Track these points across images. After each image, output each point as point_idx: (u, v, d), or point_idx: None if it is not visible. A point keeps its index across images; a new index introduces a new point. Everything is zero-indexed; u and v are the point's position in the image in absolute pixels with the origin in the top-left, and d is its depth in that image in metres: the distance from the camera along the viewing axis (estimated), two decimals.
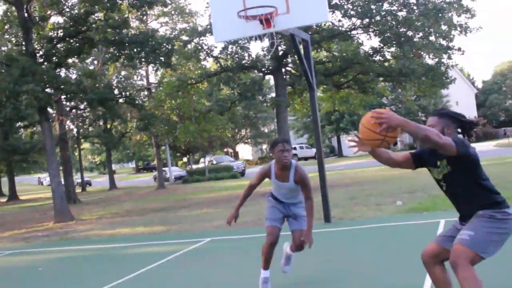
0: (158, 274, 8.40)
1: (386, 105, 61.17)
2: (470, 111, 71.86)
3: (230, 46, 21.78)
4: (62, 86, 19.74)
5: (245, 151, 79.30)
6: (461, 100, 68.47)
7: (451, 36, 20.33)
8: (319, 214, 12.01)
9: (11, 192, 47.30)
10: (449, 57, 20.88)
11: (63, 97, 25.99)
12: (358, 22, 20.78)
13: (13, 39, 29.10)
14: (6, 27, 23.68)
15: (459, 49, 20.54)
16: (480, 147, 44.52)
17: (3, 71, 18.98)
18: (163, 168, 42.95)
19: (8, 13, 22.66)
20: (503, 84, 77.67)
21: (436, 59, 21.11)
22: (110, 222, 17.65)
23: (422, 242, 7.99)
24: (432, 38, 20.46)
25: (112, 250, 11.52)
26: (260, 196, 20.12)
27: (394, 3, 20.25)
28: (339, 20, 20.97)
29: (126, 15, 22.25)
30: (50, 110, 24.77)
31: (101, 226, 16.71)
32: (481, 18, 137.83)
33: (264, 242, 6.53)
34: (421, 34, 20.28)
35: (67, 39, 20.81)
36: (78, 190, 42.12)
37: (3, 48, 24.12)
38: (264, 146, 76.50)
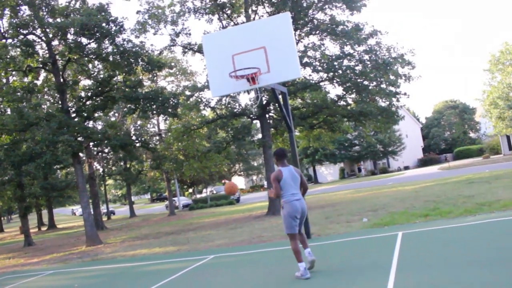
0: (173, 286, 8.32)
1: (350, 140, 61.53)
2: (417, 142, 72.52)
3: (224, 99, 21.94)
4: (90, 135, 19.75)
5: (239, 181, 79.07)
6: (410, 133, 69.05)
7: (398, 84, 20.57)
8: None
9: (50, 222, 46.71)
10: (398, 100, 21.07)
11: (91, 144, 25.97)
12: (325, 75, 20.97)
13: (51, 99, 29.23)
14: (45, 89, 23.73)
15: (405, 93, 20.78)
16: (427, 171, 44.79)
17: (44, 125, 18.96)
18: (173, 198, 42.69)
19: (47, 79, 22.79)
20: (441, 119, 78.53)
21: (388, 102, 21.33)
22: (131, 244, 17.46)
23: (384, 252, 8.03)
24: (383, 85, 20.67)
25: (134, 268, 11.40)
26: (253, 219, 20.09)
27: (351, 59, 20.50)
28: (310, 75, 21.17)
29: (140, 77, 22.41)
30: (81, 154, 24.66)
31: (124, 248, 16.51)
32: (422, 65, 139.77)
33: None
34: (374, 83, 20.48)
35: (94, 97, 20.90)
36: (104, 218, 41.67)
37: (43, 106, 24.11)
38: (255, 177, 76.36)
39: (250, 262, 9.60)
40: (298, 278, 7.07)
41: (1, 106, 23.06)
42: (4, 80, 22.26)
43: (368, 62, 20.13)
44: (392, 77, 20.38)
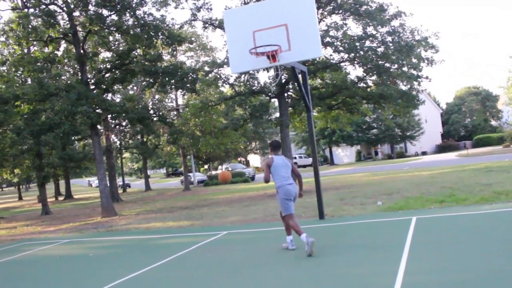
0: (184, 260, 8.44)
1: (368, 123, 61.11)
2: (437, 127, 71.74)
3: (243, 76, 21.84)
4: (109, 108, 19.89)
5: (254, 159, 79.23)
6: (429, 118, 68.29)
7: (420, 67, 20.27)
8: (315, 212, 12.03)
9: (67, 192, 47.45)
10: (419, 84, 20.80)
11: (109, 116, 26.21)
12: (346, 56, 20.74)
13: (71, 70, 29.42)
14: (66, 60, 23.89)
15: (427, 77, 20.47)
16: (445, 157, 44.38)
17: (63, 95, 19.14)
18: (189, 174, 42.94)
19: (68, 50, 22.92)
20: (462, 105, 77.39)
21: (409, 86, 21.05)
22: (146, 217, 17.68)
23: (397, 235, 8.03)
24: (405, 68, 20.39)
25: (148, 241, 11.57)
26: (267, 197, 20.18)
27: (374, 41, 20.22)
28: (330, 55, 20.96)
29: (160, 51, 22.40)
30: (99, 126, 24.88)
31: (139, 220, 16.74)
32: (446, 49, 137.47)
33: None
34: (396, 65, 20.21)
35: (113, 70, 21.00)
36: (120, 191, 42.16)
37: (63, 77, 24.30)
38: (270, 156, 76.45)
39: (263, 240, 9.68)
40: (284, 248, 8.18)
41: (22, 75, 23.29)
42: (26, 50, 22.41)
43: (391, 44, 19.85)
44: (414, 60, 20.09)
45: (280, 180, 7.91)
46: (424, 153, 64.32)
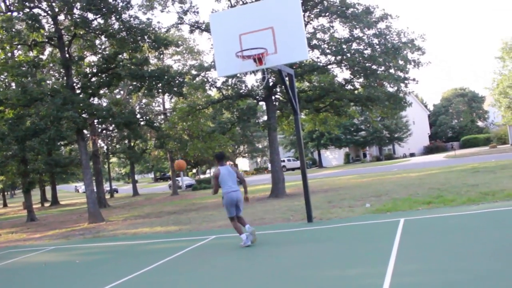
0: (172, 265, 8.40)
1: (356, 125, 61.40)
2: (424, 129, 72.24)
3: (230, 79, 21.84)
4: (95, 112, 19.75)
5: (243, 163, 79.24)
6: (417, 120, 68.78)
7: (407, 69, 20.39)
8: (303, 215, 12.05)
9: (53, 198, 47.04)
10: (406, 86, 20.92)
11: (95, 121, 26.03)
12: (333, 58, 20.81)
13: (56, 74, 29.20)
14: (50, 65, 23.67)
15: (414, 79, 20.60)
16: (433, 159, 44.70)
17: (48, 100, 18.97)
18: (177, 178, 42.82)
19: (52, 54, 22.72)
20: (449, 107, 78.07)
21: (396, 88, 21.18)
22: (133, 222, 17.59)
23: (385, 237, 8.07)
24: (392, 71, 20.50)
25: (135, 246, 11.50)
26: (256, 201, 20.17)
27: (361, 43, 20.32)
28: (318, 57, 21.01)
29: (146, 55, 22.33)
30: (85, 131, 24.72)
31: (126, 226, 16.64)
32: (432, 51, 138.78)
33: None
34: (383, 67, 20.32)
35: (100, 74, 20.86)
36: (107, 196, 41.93)
37: (48, 82, 24.10)
38: (259, 159, 76.48)
39: (251, 244, 9.66)
40: (242, 247, 9.10)
41: (6, 80, 23.05)
42: (9, 54, 22.20)
43: (377, 46, 19.97)
44: (401, 62, 20.22)
45: (226, 188, 9.17)
46: (412, 155, 64.72)
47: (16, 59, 21.38)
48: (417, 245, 7.26)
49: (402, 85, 20.75)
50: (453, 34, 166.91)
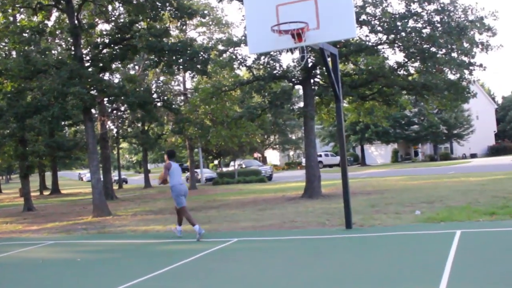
0: (188, 270, 8.47)
1: (408, 117, 60.70)
2: (490, 125, 70.95)
3: (262, 57, 21.78)
4: (105, 89, 19.97)
5: (273, 156, 79.32)
6: (481, 114, 67.54)
7: (473, 53, 20.01)
8: (341, 220, 11.99)
9: (54, 186, 47.90)
10: (471, 73, 20.52)
11: (106, 99, 26.33)
12: (384, 37, 20.56)
13: (63, 44, 29.59)
14: (57, 32, 23.97)
15: (481, 65, 20.21)
16: (499, 161, 43.91)
17: (53, 73, 19.26)
18: (195, 170, 43.11)
19: (60, 20, 23.01)
20: None
21: (458, 75, 20.80)
22: (144, 218, 17.77)
23: (437, 251, 7.97)
24: (454, 54, 20.16)
25: (145, 246, 11.64)
26: (286, 200, 20.19)
27: (419, 20, 20.02)
28: (366, 35, 20.78)
29: (167, 25, 22.44)
30: (93, 111, 25.04)
31: (136, 222, 16.83)
32: (504, 35, 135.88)
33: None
34: (444, 50, 19.99)
35: (112, 45, 21.07)
36: (115, 187, 42.48)
37: (53, 52, 24.47)
38: (291, 153, 76.41)
39: (278, 250, 9.68)
40: (173, 232, 12.36)
41: (6, 48, 23.44)
42: (11, 18, 22.58)
43: (439, 25, 19.62)
44: (466, 45, 19.84)
45: (176, 180, 11.84)
46: (473, 156, 63.75)
47: (18, 24, 21.75)
48: (475, 262, 7.16)
49: (466, 72, 20.36)
50: None
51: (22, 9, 21.86)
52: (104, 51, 21.14)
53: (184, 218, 12.07)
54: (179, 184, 11.91)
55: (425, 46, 19.86)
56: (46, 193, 48.45)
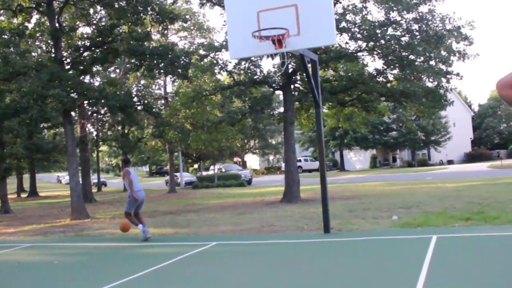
0: (166, 273, 8.44)
1: (386, 124, 61.17)
2: (466, 132, 71.79)
3: (243, 62, 21.80)
4: (85, 92, 19.83)
5: (252, 160, 79.34)
6: (458, 122, 68.32)
7: (450, 62, 20.27)
8: (319, 224, 12.04)
9: (31, 189, 47.46)
10: (448, 81, 20.79)
11: (86, 102, 26.17)
12: (364, 44, 20.72)
13: (43, 46, 29.36)
14: (37, 35, 23.79)
15: (458, 74, 20.47)
16: (475, 168, 44.42)
17: (32, 75, 19.11)
18: (175, 173, 42.97)
19: (40, 23, 22.84)
20: (498, 108, 77.40)
21: (436, 83, 21.05)
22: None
23: (413, 256, 8.04)
24: (432, 62, 20.39)
25: (123, 249, 11.57)
26: (265, 204, 20.21)
27: (398, 28, 20.22)
28: (346, 43, 20.92)
29: (148, 29, 22.38)
30: (73, 113, 24.87)
31: (115, 225, 16.70)
32: (480, 44, 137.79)
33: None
34: (422, 58, 20.21)
35: (93, 48, 20.96)
36: (94, 190, 42.16)
37: (33, 54, 24.26)
38: (271, 157, 76.50)
39: (257, 254, 9.69)
40: (143, 239, 11.85)
41: None
42: None
43: (417, 33, 19.85)
44: (443, 53, 20.09)
45: (136, 187, 11.99)
46: (450, 162, 64.42)
47: None
48: (451, 267, 7.22)
49: (444, 80, 20.62)
50: (507, 22, 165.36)
51: (1, 11, 21.64)
52: (85, 54, 21.02)
53: (139, 218, 12.28)
54: (139, 190, 12.20)
55: (403, 53, 20.08)
56: (23, 195, 47.96)
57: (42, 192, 50.69)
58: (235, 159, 64.24)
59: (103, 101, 20.76)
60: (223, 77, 28.60)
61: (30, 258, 11.29)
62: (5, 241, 14.44)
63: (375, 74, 21.92)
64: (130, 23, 20.51)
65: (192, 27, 40.13)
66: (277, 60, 22.09)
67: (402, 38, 19.99)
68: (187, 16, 36.37)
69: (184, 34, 40.79)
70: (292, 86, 21.81)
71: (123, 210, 12.53)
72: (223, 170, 47.76)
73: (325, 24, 10.48)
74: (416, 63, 20.21)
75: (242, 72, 22.33)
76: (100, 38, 20.65)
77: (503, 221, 10.96)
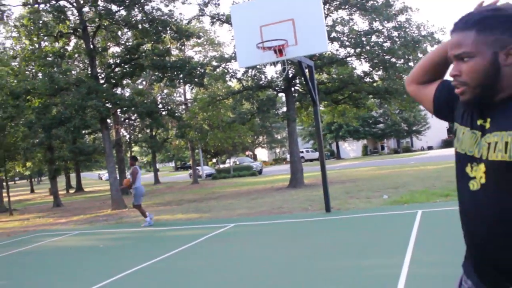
0: (193, 251, 8.48)
1: (374, 117, 60.93)
2: (443, 122, 71.14)
3: (250, 70, 21.79)
4: (118, 102, 19.90)
5: (262, 153, 79.25)
6: None
7: None
8: (321, 205, 12.04)
9: (78, 185, 47.68)
10: None
11: (119, 110, 26.25)
12: (352, 51, 20.63)
13: (80, 65, 29.49)
14: (76, 55, 23.90)
15: None
16: (451, 152, 44.14)
17: (73, 90, 19.20)
18: (197, 167, 42.99)
19: (78, 45, 22.95)
20: None
21: None
22: (155, 210, 17.73)
23: (402, 229, 8.03)
24: (411, 64, 20.28)
25: (156, 232, 11.62)
26: (274, 190, 20.20)
27: (380, 36, 20.11)
28: (337, 50, 20.85)
29: (168, 46, 22.37)
30: (108, 120, 24.94)
31: (148, 213, 16.78)
32: None
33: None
34: (402, 60, 20.09)
35: (123, 64, 21.00)
36: None
37: (73, 72, 24.35)
38: (278, 150, 76.40)
39: (269, 232, 9.71)
40: (145, 226, 12.42)
41: (33, 70, 23.32)
42: (36, 45, 22.50)
43: (397, 39, 19.74)
44: (420, 55, 19.95)
45: (139, 183, 12.67)
46: (430, 148, 64.03)
47: (43, 49, 21.64)
48: (434, 237, 7.22)
49: None
50: None
51: (45, 37, 21.71)
52: (116, 69, 21.07)
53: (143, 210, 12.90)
54: (141, 186, 12.78)
55: (386, 57, 19.97)
56: (71, 191, 48.22)
57: (86, 188, 50.94)
58: (247, 153, 64.22)
59: (133, 108, 20.85)
60: (233, 84, 28.53)
61: (80, 243, 11.38)
62: (59, 230, 14.56)
63: (362, 76, 21.84)
64: (152, 42, 20.53)
65: (205, 43, 40.07)
66: (279, 67, 22.15)
67: (385, 44, 19.88)
68: (201, 33, 36.36)
69: (199, 48, 40.74)
70: (292, 89, 21.77)
71: (133, 203, 12.90)
72: (237, 163, 47.71)
73: (318, 34, 10.45)
74: (397, 65, 20.12)
75: (249, 78, 22.32)
76: (128, 56, 20.69)
77: None
